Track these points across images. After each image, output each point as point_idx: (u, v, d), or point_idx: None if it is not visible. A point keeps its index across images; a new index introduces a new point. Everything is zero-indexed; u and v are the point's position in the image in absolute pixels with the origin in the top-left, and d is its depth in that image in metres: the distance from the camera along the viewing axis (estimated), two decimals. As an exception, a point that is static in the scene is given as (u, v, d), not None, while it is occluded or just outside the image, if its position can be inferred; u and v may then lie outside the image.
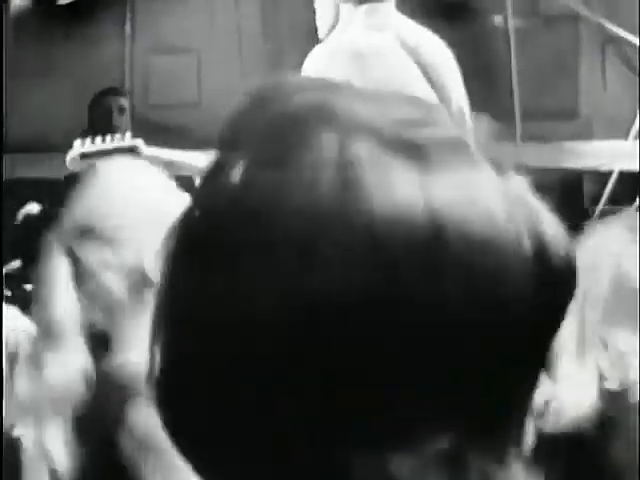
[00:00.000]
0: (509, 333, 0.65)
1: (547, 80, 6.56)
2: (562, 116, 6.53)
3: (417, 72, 3.11)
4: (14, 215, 6.90)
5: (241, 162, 0.68)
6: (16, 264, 5.99)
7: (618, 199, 6.44)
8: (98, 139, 3.04)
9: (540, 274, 0.66)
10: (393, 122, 0.68)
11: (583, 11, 6.47)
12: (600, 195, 6.44)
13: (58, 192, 6.61)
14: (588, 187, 6.63)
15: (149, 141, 6.16)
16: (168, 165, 3.10)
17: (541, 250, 0.66)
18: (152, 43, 7.16)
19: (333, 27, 3.20)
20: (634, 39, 6.34)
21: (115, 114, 5.16)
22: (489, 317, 0.64)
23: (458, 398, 0.64)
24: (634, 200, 6.40)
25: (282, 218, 0.65)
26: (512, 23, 6.46)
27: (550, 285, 0.66)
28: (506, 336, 0.65)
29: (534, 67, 6.51)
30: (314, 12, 3.28)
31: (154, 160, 3.11)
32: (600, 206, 6.43)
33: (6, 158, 6.97)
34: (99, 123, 5.19)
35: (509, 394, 0.66)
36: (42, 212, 5.88)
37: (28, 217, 6.22)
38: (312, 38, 6.84)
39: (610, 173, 6.35)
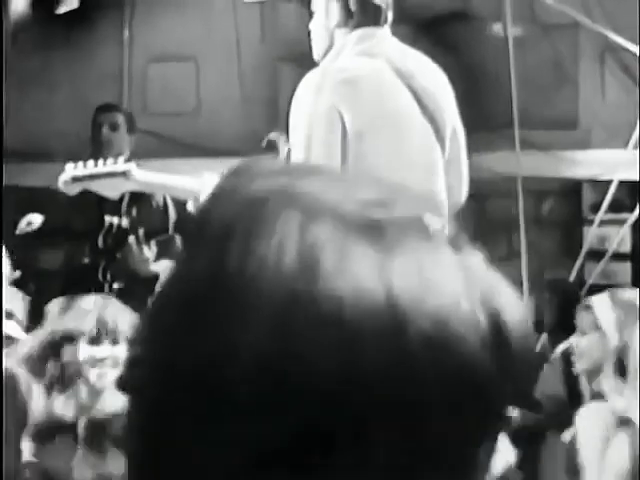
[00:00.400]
0: (469, 401, 0.68)
1: (546, 89, 6.58)
2: (561, 125, 6.52)
3: (409, 97, 3.10)
4: (11, 224, 6.90)
5: (207, 252, 0.71)
6: (16, 274, 5.99)
7: (618, 208, 6.48)
8: (90, 162, 3.08)
9: (497, 348, 0.69)
10: (354, 203, 0.70)
11: (582, 19, 6.47)
12: (600, 204, 6.44)
13: (56, 201, 6.63)
14: (587, 196, 6.64)
15: (147, 149, 6.18)
16: (160, 189, 3.09)
17: (497, 326, 0.70)
18: (150, 51, 7.16)
19: (328, 51, 3.20)
20: (633, 47, 6.34)
21: (105, 131, 5.15)
22: (452, 389, 0.68)
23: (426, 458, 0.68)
24: (634, 209, 6.44)
25: (251, 298, 0.67)
26: (511, 31, 6.43)
27: (507, 358, 0.70)
28: (467, 403, 0.68)
29: (533, 75, 6.51)
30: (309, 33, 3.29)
31: (146, 185, 3.11)
32: (600, 215, 6.44)
33: (4, 166, 7.00)
34: (91, 140, 5.23)
35: (471, 452, 0.70)
36: (44, 224, 5.89)
37: (29, 228, 6.22)
38: (311, 46, 6.86)
39: (610, 182, 6.36)
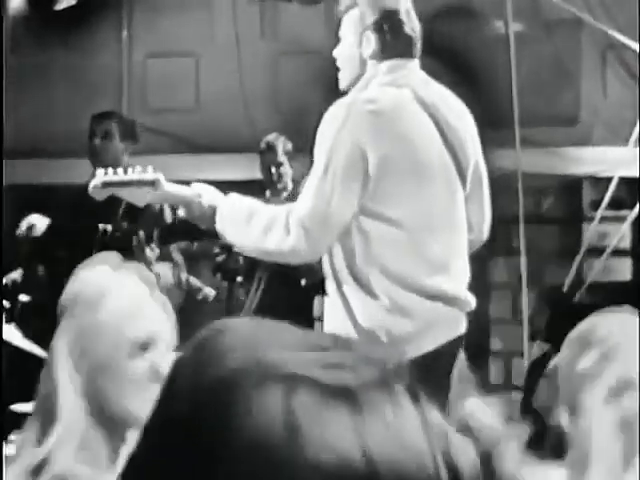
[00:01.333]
0: None
1: (547, 85, 6.56)
2: (562, 122, 6.50)
3: (433, 131, 3.08)
4: (12, 221, 6.89)
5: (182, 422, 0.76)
6: (13, 275, 5.98)
7: (618, 205, 6.47)
8: (120, 170, 3.11)
9: None
10: (324, 367, 0.75)
11: (584, 17, 6.47)
12: (600, 201, 6.43)
13: (58, 199, 6.62)
14: (588, 193, 6.63)
15: (147, 145, 6.17)
16: (183, 202, 3.11)
17: (455, 474, 0.76)
18: (150, 47, 7.15)
19: (357, 80, 3.16)
20: (635, 45, 6.32)
21: (97, 140, 5.19)
22: None
23: None
24: (634, 206, 6.42)
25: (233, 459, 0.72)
26: (512, 27, 6.42)
27: None
28: None
29: (534, 72, 6.49)
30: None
31: (172, 196, 3.10)
32: (600, 211, 6.44)
33: (4, 164, 7.01)
34: (87, 148, 5.26)
35: None
36: (50, 227, 5.87)
37: (32, 228, 6.21)
38: (310, 43, 6.85)
39: (610, 179, 6.35)
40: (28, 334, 4.66)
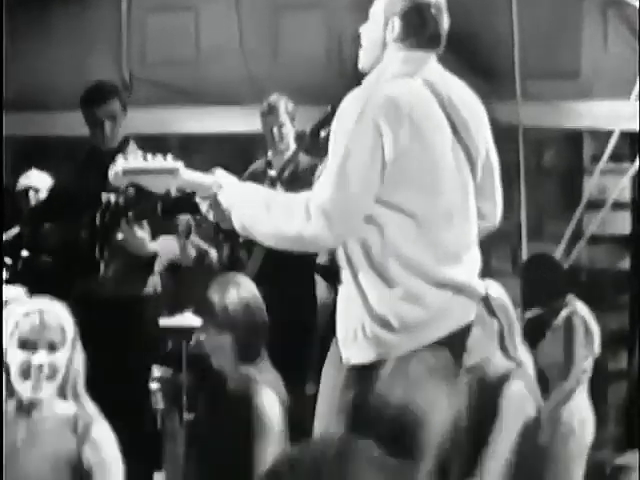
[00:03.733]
0: None
1: (549, 40, 6.56)
2: (563, 75, 6.53)
3: (445, 122, 3.10)
4: (12, 173, 6.95)
5: None
6: (14, 231, 6.04)
7: (618, 158, 6.50)
8: (140, 157, 3.14)
9: None
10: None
11: None
12: (601, 154, 6.48)
13: (57, 153, 6.61)
14: (588, 146, 6.66)
15: (147, 98, 6.18)
16: (200, 188, 3.16)
17: None
18: (149, 1, 7.17)
19: (375, 63, 3.19)
20: (634, 1, 6.35)
21: (107, 127, 4.92)
22: None
23: None
24: (634, 159, 6.46)
25: None
26: None
27: None
28: None
29: (536, 27, 6.51)
30: None
31: (189, 184, 3.15)
32: (601, 164, 6.49)
33: (5, 117, 7.05)
34: (92, 136, 5.00)
35: None
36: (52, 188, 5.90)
37: (34, 190, 6.26)
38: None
39: (611, 132, 6.39)
40: (33, 290, 4.68)
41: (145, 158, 3.14)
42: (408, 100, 3.04)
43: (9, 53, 7.13)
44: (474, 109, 3.22)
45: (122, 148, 4.92)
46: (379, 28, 3.20)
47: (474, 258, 3.17)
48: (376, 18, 3.21)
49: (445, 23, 3.20)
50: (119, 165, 3.15)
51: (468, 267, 3.13)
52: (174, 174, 3.12)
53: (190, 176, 3.17)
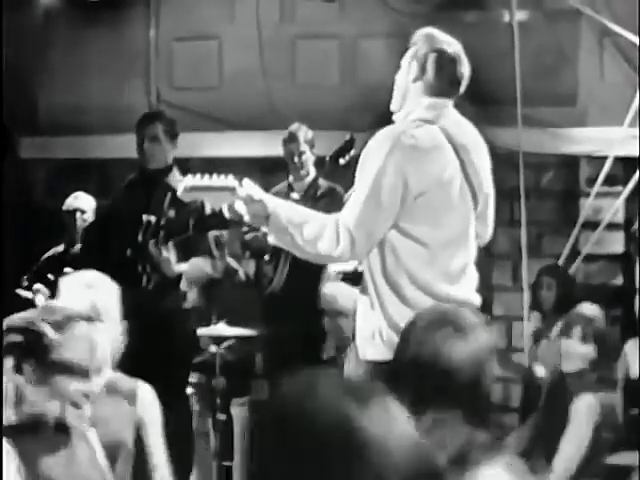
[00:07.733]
0: None
1: (548, 70, 6.66)
2: (561, 103, 6.63)
3: (458, 167, 3.43)
4: (49, 196, 7.09)
5: None
6: (59, 249, 6.21)
7: (613, 181, 6.62)
8: (206, 176, 3.38)
9: None
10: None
11: (584, 8, 6.57)
12: (596, 178, 6.58)
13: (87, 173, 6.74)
14: (584, 170, 6.74)
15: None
16: (257, 204, 3.39)
17: None
18: (176, 30, 7.32)
19: (402, 104, 3.52)
20: (631, 35, 6.44)
21: (147, 145, 5.26)
22: None
23: None
24: (627, 183, 6.57)
25: None
26: (517, 16, 6.59)
27: None
28: None
29: (536, 57, 6.62)
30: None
31: (247, 199, 3.38)
32: (596, 187, 6.59)
33: (40, 140, 7.20)
34: (138, 155, 5.33)
35: None
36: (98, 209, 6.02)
37: (77, 208, 6.27)
38: (330, 26, 6.98)
39: (606, 157, 6.49)
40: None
41: (210, 177, 3.37)
42: (427, 148, 3.38)
43: (46, 82, 7.34)
44: (480, 150, 3.55)
45: (166, 172, 5.26)
46: (404, 74, 3.53)
47: (472, 276, 3.55)
48: (403, 65, 3.54)
49: (466, 70, 3.50)
50: (187, 182, 3.39)
51: (467, 285, 3.51)
52: (233, 192, 3.37)
53: (246, 192, 3.38)
